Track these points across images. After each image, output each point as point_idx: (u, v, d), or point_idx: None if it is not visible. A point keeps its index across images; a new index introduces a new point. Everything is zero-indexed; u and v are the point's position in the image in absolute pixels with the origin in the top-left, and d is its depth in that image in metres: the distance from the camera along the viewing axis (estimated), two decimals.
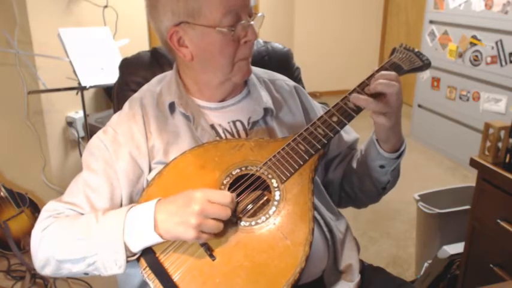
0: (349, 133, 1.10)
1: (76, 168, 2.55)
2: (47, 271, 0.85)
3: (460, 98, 3.21)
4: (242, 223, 0.80)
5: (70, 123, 2.47)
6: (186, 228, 0.74)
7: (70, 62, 2.07)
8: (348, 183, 1.06)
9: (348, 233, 1.03)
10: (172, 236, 0.76)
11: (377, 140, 0.94)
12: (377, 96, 0.85)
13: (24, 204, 2.21)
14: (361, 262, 1.04)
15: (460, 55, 3.16)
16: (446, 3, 3.22)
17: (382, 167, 0.96)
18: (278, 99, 1.03)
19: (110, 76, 2.12)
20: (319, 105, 1.12)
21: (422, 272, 1.85)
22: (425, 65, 0.99)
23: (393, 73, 0.86)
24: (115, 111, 1.14)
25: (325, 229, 0.96)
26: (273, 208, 0.81)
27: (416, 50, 1.00)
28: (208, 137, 0.93)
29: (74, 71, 2.07)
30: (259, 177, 0.84)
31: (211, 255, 0.77)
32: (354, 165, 1.03)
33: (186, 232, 0.74)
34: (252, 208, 0.84)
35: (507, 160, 1.40)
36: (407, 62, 0.96)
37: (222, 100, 0.99)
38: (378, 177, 0.98)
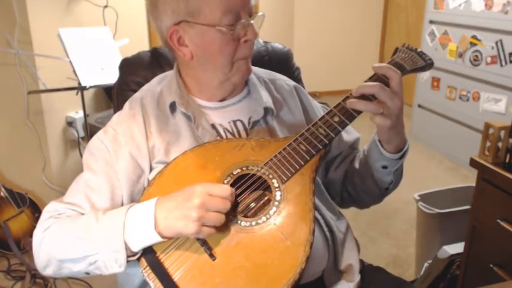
0: (349, 133, 1.09)
1: (76, 168, 2.55)
2: (48, 271, 0.85)
3: (460, 98, 3.21)
4: (243, 223, 0.79)
5: (70, 123, 2.48)
6: (187, 222, 0.74)
7: (70, 62, 2.07)
8: (350, 183, 1.05)
9: (348, 233, 1.03)
10: (173, 232, 0.76)
11: (379, 140, 0.94)
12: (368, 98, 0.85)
13: (24, 204, 2.21)
14: (361, 262, 1.04)
15: (460, 55, 3.16)
16: (446, 3, 3.22)
17: (384, 167, 0.95)
18: (278, 99, 1.03)
19: (110, 76, 2.12)
20: (319, 105, 1.12)
21: (422, 272, 1.85)
22: (428, 64, 0.98)
23: (398, 71, 0.87)
24: (115, 111, 1.14)
25: (325, 229, 0.96)
26: (274, 208, 0.81)
27: (419, 49, 1.00)
28: (209, 137, 0.93)
29: (74, 71, 2.07)
30: (260, 177, 0.84)
31: (212, 255, 0.77)
32: (357, 165, 1.03)
33: (187, 226, 0.74)
34: (252, 208, 0.84)
35: (507, 160, 1.40)
36: (409, 62, 0.96)
37: (223, 100, 0.99)
38: (380, 178, 0.98)
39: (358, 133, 1.12)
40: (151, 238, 0.77)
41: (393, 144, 0.92)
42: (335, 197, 1.10)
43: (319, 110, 1.09)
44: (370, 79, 0.89)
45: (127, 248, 0.78)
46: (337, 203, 1.11)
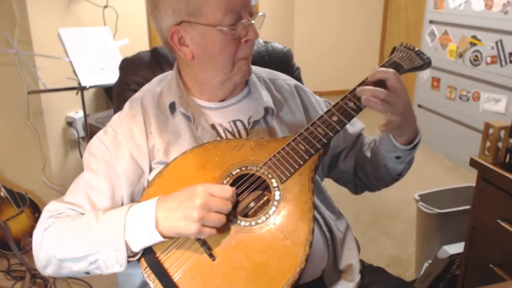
0: (354, 125, 1.10)
1: (76, 168, 2.55)
2: (48, 271, 0.85)
3: (460, 98, 3.21)
4: (242, 223, 0.79)
5: (70, 123, 2.47)
6: (188, 222, 0.74)
7: (70, 62, 2.06)
8: (362, 171, 1.06)
9: (348, 232, 1.03)
10: (174, 232, 0.76)
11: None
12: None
13: (24, 204, 2.21)
14: (361, 262, 1.04)
15: (460, 55, 3.16)
16: (446, 3, 3.22)
17: (398, 157, 0.96)
18: (278, 99, 1.03)
19: (110, 76, 2.12)
20: (321, 100, 1.11)
21: (422, 272, 1.85)
22: (426, 63, 0.99)
23: (391, 70, 0.87)
24: (115, 111, 1.14)
25: (324, 229, 0.96)
26: (273, 208, 0.81)
27: (416, 48, 1.00)
28: (208, 137, 0.93)
29: (74, 71, 2.07)
30: (259, 177, 0.84)
31: (212, 255, 0.77)
32: (368, 154, 1.03)
33: (188, 226, 0.74)
34: (252, 208, 0.84)
35: (507, 160, 1.40)
36: (407, 61, 0.96)
37: (223, 100, 0.99)
38: (393, 167, 0.99)
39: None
40: (152, 238, 0.77)
41: (405, 137, 0.93)
42: (348, 184, 1.11)
43: (321, 106, 1.09)
44: (363, 83, 0.88)
45: (127, 248, 0.78)
46: (351, 190, 1.14)
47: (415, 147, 0.95)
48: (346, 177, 1.10)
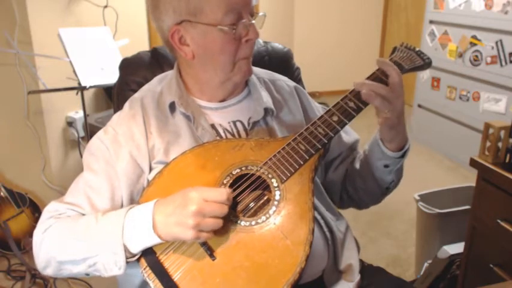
0: (349, 134, 1.10)
1: (76, 168, 2.55)
2: (48, 272, 0.85)
3: (460, 98, 3.21)
4: (242, 223, 0.80)
5: (70, 123, 2.48)
6: (184, 229, 0.74)
7: (70, 62, 2.06)
8: (351, 184, 1.06)
9: (348, 233, 1.03)
10: (171, 237, 0.76)
11: (381, 139, 0.94)
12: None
13: (24, 204, 2.21)
14: (361, 262, 1.04)
15: (460, 55, 3.16)
16: (446, 3, 3.22)
17: (386, 166, 0.96)
18: (278, 100, 1.03)
19: (110, 76, 2.12)
20: (319, 105, 1.12)
21: (422, 272, 1.85)
22: (426, 63, 0.99)
23: (396, 67, 0.88)
24: (115, 111, 1.14)
25: (325, 229, 0.96)
26: (273, 208, 0.81)
27: (417, 49, 1.00)
28: (208, 137, 0.93)
29: (74, 71, 2.07)
30: (259, 177, 0.84)
31: (212, 255, 0.77)
32: (357, 166, 1.03)
33: (184, 233, 0.74)
34: (252, 208, 0.84)
35: (507, 160, 1.40)
36: (408, 61, 0.96)
37: (223, 100, 0.99)
38: (381, 177, 0.98)
39: (357, 133, 1.12)
40: (150, 240, 0.77)
41: (395, 142, 0.93)
42: (333, 197, 1.10)
43: (319, 110, 1.10)
44: (368, 78, 0.89)
45: (126, 249, 0.78)
46: (336, 203, 1.12)
47: (403, 155, 0.95)
48: (332, 187, 1.09)
